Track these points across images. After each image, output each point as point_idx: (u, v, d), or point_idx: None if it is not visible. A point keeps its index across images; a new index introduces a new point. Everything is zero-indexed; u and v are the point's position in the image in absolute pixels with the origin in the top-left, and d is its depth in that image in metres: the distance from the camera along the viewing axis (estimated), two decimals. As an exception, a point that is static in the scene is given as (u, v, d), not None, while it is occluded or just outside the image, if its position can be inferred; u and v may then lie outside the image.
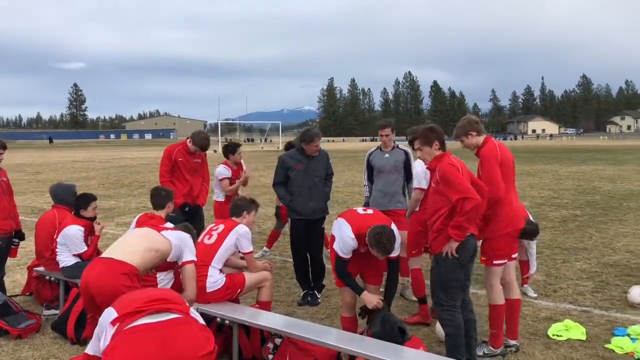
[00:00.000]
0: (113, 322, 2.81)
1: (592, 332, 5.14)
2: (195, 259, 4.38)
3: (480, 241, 4.49)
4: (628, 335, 4.95)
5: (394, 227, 4.46)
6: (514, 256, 4.71)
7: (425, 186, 5.36)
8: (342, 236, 4.49)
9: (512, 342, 4.72)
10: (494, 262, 4.51)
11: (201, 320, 2.98)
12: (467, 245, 4.12)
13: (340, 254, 4.50)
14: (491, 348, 4.57)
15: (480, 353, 4.58)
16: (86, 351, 3.04)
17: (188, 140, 6.83)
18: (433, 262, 4.28)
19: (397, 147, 6.43)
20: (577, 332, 5.08)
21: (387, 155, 6.26)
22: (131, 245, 4.09)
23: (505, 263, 4.56)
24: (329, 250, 7.37)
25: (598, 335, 5.05)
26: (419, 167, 5.45)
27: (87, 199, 5.97)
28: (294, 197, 6.19)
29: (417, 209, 5.49)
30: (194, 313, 3.00)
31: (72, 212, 5.92)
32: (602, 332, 5.13)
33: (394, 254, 4.45)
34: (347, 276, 4.55)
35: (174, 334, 2.74)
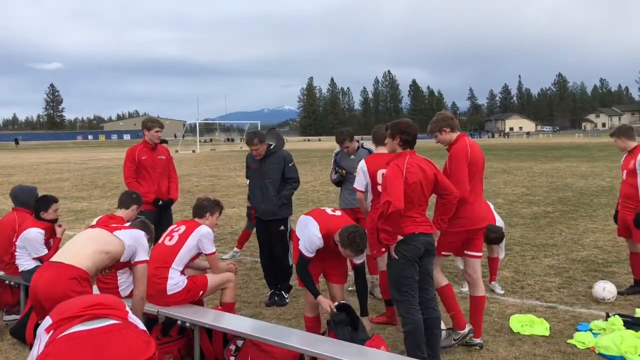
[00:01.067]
0: (47, 330, 2.72)
1: (556, 327, 5.17)
2: (147, 258, 4.25)
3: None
4: (590, 330, 4.99)
5: None
6: (477, 254, 4.74)
7: (362, 188, 5.43)
8: (308, 234, 4.47)
9: (477, 340, 4.73)
10: (442, 252, 4.64)
11: (141, 326, 2.91)
12: (414, 242, 4.12)
13: (304, 252, 4.49)
14: (458, 332, 4.59)
15: (452, 342, 4.62)
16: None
17: (144, 133, 6.73)
18: (387, 259, 4.28)
19: (362, 146, 6.44)
20: (541, 327, 5.11)
21: (352, 157, 6.30)
22: (81, 248, 3.95)
23: (448, 255, 4.68)
24: None
25: (562, 331, 5.09)
26: (360, 169, 5.46)
27: (48, 201, 5.85)
28: (251, 195, 6.30)
29: (369, 208, 5.49)
30: (132, 318, 2.92)
31: (33, 215, 5.79)
32: (566, 328, 5.16)
33: (358, 261, 4.45)
34: (307, 276, 4.52)
35: (109, 341, 2.67)
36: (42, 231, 5.62)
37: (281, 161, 6.05)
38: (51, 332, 2.69)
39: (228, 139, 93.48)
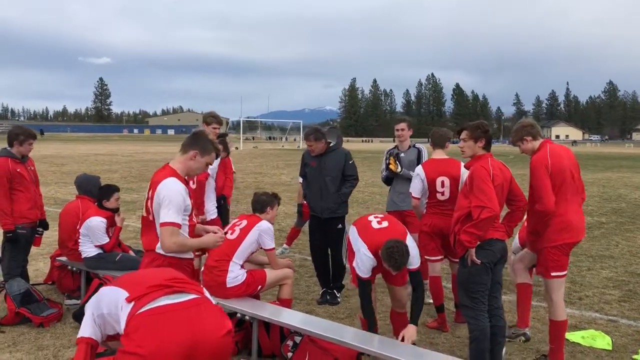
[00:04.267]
0: (128, 300, 2.69)
1: (619, 342, 5.01)
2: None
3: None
4: (657, 346, 4.81)
5: (410, 240, 4.37)
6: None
7: (418, 195, 5.34)
8: (360, 256, 4.37)
9: (523, 329, 4.60)
10: (552, 274, 4.36)
11: (214, 301, 2.92)
12: (492, 248, 4.03)
13: (360, 274, 4.34)
14: (518, 329, 4.50)
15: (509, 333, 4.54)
16: (81, 335, 2.82)
17: (204, 127, 6.77)
18: (459, 264, 4.21)
19: (413, 146, 6.36)
20: (603, 342, 4.96)
21: (402, 154, 6.22)
22: None
23: (565, 275, 4.43)
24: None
25: (625, 346, 4.92)
26: (417, 175, 5.37)
27: (110, 190, 6.00)
28: (308, 193, 6.23)
29: (424, 212, 5.42)
30: (207, 293, 2.93)
31: (95, 204, 5.95)
32: (630, 343, 4.99)
33: (413, 267, 4.35)
34: (368, 306, 4.37)
35: (197, 314, 2.67)
36: (105, 220, 5.77)
37: (342, 158, 6.03)
38: (133, 303, 2.67)
39: (269, 137, 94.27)
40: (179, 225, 3.60)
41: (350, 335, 4.19)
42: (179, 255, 3.72)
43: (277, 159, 33.61)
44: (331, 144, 6.02)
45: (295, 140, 78.92)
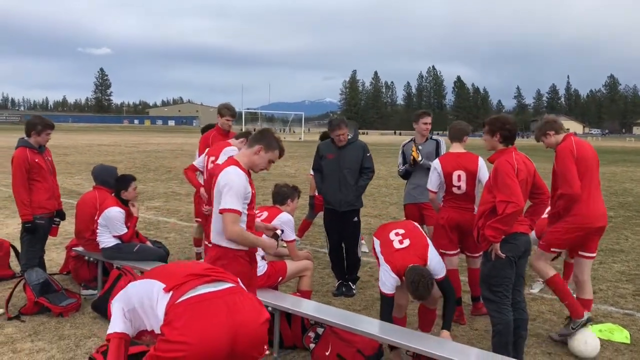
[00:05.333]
0: (166, 290, 2.68)
1: (637, 336, 5.03)
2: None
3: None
4: (675, 340, 4.83)
5: (432, 251, 4.36)
6: (590, 255, 4.73)
7: (435, 188, 5.36)
8: (384, 273, 4.32)
9: (582, 318, 4.60)
10: (551, 248, 4.63)
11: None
12: (516, 242, 4.04)
13: (384, 290, 4.30)
14: (576, 321, 4.56)
15: (570, 331, 4.61)
16: (114, 330, 2.78)
17: (218, 119, 6.78)
18: (483, 257, 4.22)
19: (430, 137, 6.36)
20: (621, 335, 4.98)
21: (420, 147, 6.22)
22: None
23: (558, 253, 4.61)
24: (363, 242, 7.37)
25: (643, 339, 4.94)
26: (434, 168, 5.37)
27: (127, 180, 6.00)
28: (324, 185, 6.18)
29: (441, 204, 5.44)
30: (241, 282, 2.94)
31: (113, 194, 5.95)
32: (648, 336, 5.01)
33: (440, 276, 4.32)
34: (387, 318, 4.32)
35: (236, 302, 2.68)
36: (123, 211, 5.78)
37: (360, 151, 6.03)
38: (171, 292, 2.67)
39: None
40: (239, 213, 3.55)
41: (372, 326, 4.22)
42: (238, 247, 3.65)
43: (280, 150, 33.54)
44: (349, 137, 6.01)
45: (294, 132, 78.84)
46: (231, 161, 3.71)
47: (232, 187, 3.53)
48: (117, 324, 2.78)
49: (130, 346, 2.97)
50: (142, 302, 2.78)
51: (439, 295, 4.51)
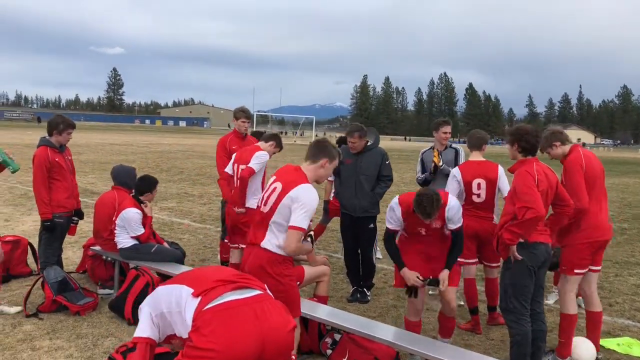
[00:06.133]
0: (194, 294, 2.69)
1: (655, 350, 4.98)
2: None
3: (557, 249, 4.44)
4: (695, 356, 4.79)
5: (452, 199, 4.40)
6: (597, 268, 4.65)
7: (455, 197, 5.31)
8: (390, 206, 4.49)
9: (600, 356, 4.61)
10: (575, 270, 4.47)
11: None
12: (536, 252, 4.03)
13: (388, 225, 4.50)
14: (557, 358, 4.48)
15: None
16: (141, 335, 2.81)
17: (234, 122, 6.85)
18: (502, 267, 4.21)
19: (450, 146, 6.37)
20: (638, 349, 4.94)
21: (440, 151, 6.22)
22: None
23: (584, 273, 4.48)
24: (379, 248, 7.36)
25: (661, 354, 4.90)
26: (453, 177, 5.35)
27: (153, 183, 6.07)
28: (341, 190, 6.17)
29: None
30: (268, 290, 2.94)
31: (131, 194, 5.99)
32: (666, 351, 4.97)
33: (454, 226, 4.37)
34: (393, 247, 4.50)
35: (264, 310, 2.68)
36: (140, 212, 5.81)
37: (379, 158, 6.03)
38: (200, 298, 2.68)
39: (281, 132, 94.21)
40: (305, 231, 3.66)
41: (390, 333, 4.21)
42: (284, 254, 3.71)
43: (291, 154, 33.51)
44: (368, 143, 6.01)
45: (301, 135, 78.93)
46: (302, 178, 3.72)
47: (308, 209, 3.60)
48: (144, 329, 2.80)
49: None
50: (170, 306, 2.79)
51: (454, 305, 4.54)
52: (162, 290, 2.91)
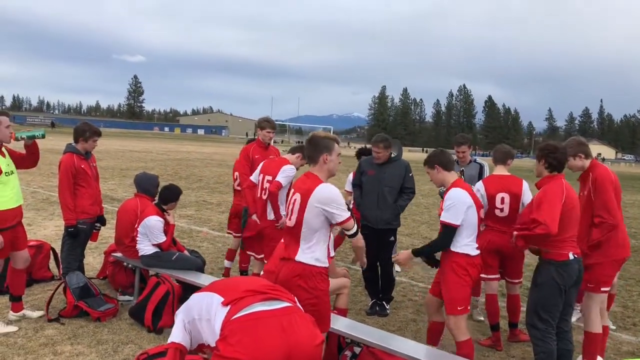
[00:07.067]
0: (224, 303, 2.72)
1: (682, 372, 4.88)
2: None
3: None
4: None
5: (458, 191, 4.30)
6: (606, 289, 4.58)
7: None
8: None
9: None
10: (602, 288, 4.42)
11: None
12: (570, 270, 3.99)
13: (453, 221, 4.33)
14: None
15: None
16: (172, 340, 2.89)
17: (258, 132, 6.87)
18: (532, 284, 4.17)
19: (474, 161, 6.33)
20: (664, 370, 4.84)
21: (463, 169, 6.18)
22: None
23: (608, 291, 4.44)
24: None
25: (688, 377, 4.79)
26: (477, 190, 5.23)
27: (177, 193, 6.14)
28: (363, 202, 6.14)
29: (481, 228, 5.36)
30: (297, 302, 2.95)
31: (154, 202, 6.04)
32: (693, 374, 4.86)
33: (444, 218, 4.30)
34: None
35: (291, 322, 2.69)
36: (162, 220, 5.85)
37: (402, 170, 6.01)
38: (229, 307, 2.70)
39: (298, 142, 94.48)
40: (350, 218, 3.71)
41: (411, 348, 4.17)
42: (322, 265, 3.73)
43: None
44: (392, 155, 6.00)
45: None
46: (316, 181, 3.75)
47: (338, 202, 3.66)
48: (176, 335, 2.86)
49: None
50: (200, 313, 2.85)
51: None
52: (196, 297, 2.97)
